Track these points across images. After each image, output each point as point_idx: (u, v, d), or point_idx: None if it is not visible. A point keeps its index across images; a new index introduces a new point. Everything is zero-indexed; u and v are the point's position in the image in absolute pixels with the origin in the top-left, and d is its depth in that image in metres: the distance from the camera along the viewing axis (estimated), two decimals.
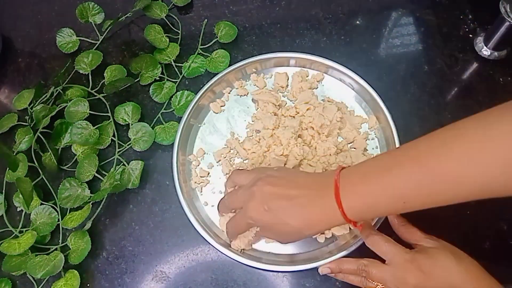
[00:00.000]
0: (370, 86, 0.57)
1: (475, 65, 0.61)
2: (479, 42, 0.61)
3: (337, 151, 0.54)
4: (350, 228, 0.52)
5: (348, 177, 0.41)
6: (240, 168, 0.55)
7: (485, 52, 0.60)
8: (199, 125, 0.59)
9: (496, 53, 0.60)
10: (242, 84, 0.61)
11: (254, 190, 0.44)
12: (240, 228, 0.48)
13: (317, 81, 0.60)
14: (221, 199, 0.52)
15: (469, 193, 0.36)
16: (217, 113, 0.60)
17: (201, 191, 0.56)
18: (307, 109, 0.57)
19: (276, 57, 0.61)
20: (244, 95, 0.60)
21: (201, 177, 0.56)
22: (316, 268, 0.49)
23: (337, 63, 0.59)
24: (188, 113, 0.58)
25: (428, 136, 0.38)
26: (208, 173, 0.56)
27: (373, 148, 0.56)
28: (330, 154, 0.54)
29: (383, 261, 0.45)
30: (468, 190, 0.36)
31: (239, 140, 0.57)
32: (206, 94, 0.59)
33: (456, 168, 0.35)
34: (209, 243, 0.51)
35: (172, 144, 0.57)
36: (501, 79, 0.60)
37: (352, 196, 0.40)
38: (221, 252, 0.51)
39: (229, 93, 0.61)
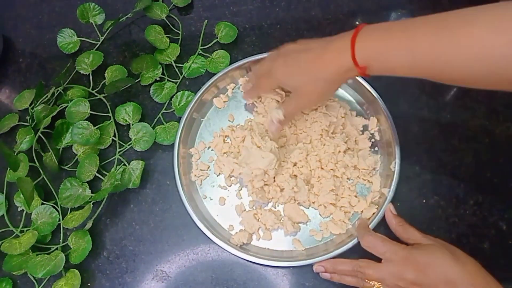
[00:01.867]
0: (372, 86, 0.57)
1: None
2: None
3: (346, 149, 0.55)
4: (346, 229, 0.52)
5: (370, 27, 0.42)
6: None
7: None
8: (201, 120, 0.60)
9: None
10: (246, 81, 0.61)
11: (279, 53, 0.50)
12: (264, 86, 0.54)
13: None
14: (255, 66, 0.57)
15: (476, 67, 0.36)
16: (220, 108, 0.60)
17: (201, 184, 0.56)
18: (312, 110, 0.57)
19: None
20: None
21: (201, 170, 0.57)
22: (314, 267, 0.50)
23: None
24: (191, 107, 0.58)
25: (460, 10, 0.38)
26: (208, 167, 0.57)
27: (373, 149, 0.57)
28: (339, 152, 0.54)
29: (379, 260, 0.45)
30: (477, 61, 0.36)
31: (233, 129, 0.58)
32: (210, 89, 0.60)
33: (474, 37, 0.35)
34: (207, 237, 0.52)
35: (173, 143, 0.57)
36: None
37: (367, 40, 0.41)
38: (219, 246, 0.52)
39: (232, 89, 0.61)
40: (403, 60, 0.40)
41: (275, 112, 0.51)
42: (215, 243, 0.52)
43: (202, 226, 0.53)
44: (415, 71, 0.40)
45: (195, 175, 0.57)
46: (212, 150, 0.58)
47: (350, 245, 0.50)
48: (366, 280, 0.46)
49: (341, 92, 0.60)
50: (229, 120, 0.60)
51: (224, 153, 0.57)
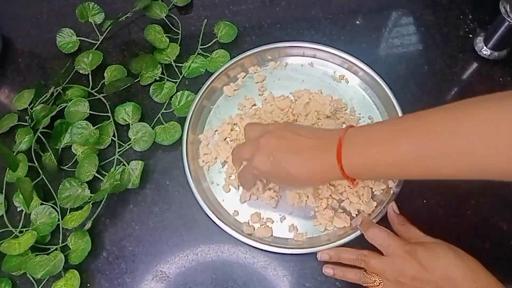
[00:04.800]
0: (385, 82, 0.58)
1: (475, 65, 0.61)
2: (479, 42, 0.61)
3: None
4: (350, 222, 0.52)
5: (352, 137, 0.41)
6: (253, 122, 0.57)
7: (485, 52, 0.60)
8: (211, 107, 0.60)
9: (496, 53, 0.60)
10: (257, 70, 0.62)
11: (260, 142, 0.46)
12: (247, 178, 0.50)
13: (340, 79, 0.61)
14: (233, 149, 0.52)
15: (470, 171, 0.36)
16: (230, 96, 0.61)
17: (208, 170, 0.57)
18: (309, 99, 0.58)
19: (294, 46, 0.62)
20: (259, 81, 0.61)
21: (208, 155, 0.57)
22: (316, 268, 0.50)
23: (363, 62, 0.59)
24: (201, 94, 0.59)
25: (439, 109, 0.37)
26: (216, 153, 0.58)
27: None
28: None
29: (382, 254, 0.46)
30: (470, 167, 0.35)
31: (242, 118, 0.58)
32: (220, 77, 0.60)
33: (463, 144, 0.34)
34: (215, 223, 0.52)
35: (174, 145, 0.58)
36: (501, 79, 0.60)
37: (353, 155, 0.40)
38: (225, 231, 0.52)
39: (243, 78, 0.61)
40: (391, 172, 0.42)
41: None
42: (220, 227, 0.52)
43: (208, 210, 0.53)
44: (406, 177, 0.41)
45: (203, 161, 0.57)
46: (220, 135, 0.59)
47: (352, 236, 0.50)
48: (368, 276, 0.46)
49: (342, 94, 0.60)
50: (238, 109, 0.60)
51: (231, 140, 0.57)
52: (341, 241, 0.50)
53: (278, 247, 0.51)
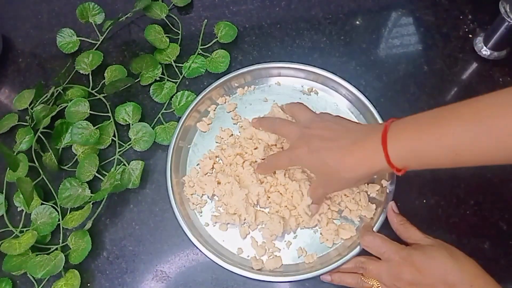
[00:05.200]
0: (364, 95, 0.57)
1: (474, 65, 0.61)
2: (479, 42, 0.61)
3: None
4: (355, 231, 0.51)
5: (399, 124, 0.40)
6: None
7: (485, 52, 0.60)
8: (188, 146, 0.58)
9: (496, 53, 0.60)
10: (226, 100, 0.60)
11: (304, 132, 0.46)
12: (280, 163, 0.49)
13: (309, 91, 0.60)
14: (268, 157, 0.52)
15: None
16: (205, 131, 0.59)
17: (201, 212, 0.55)
18: None
19: (257, 69, 0.60)
20: (231, 111, 0.60)
21: (196, 196, 0.55)
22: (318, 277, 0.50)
23: (328, 71, 0.58)
24: (176, 136, 0.57)
25: (490, 94, 0.36)
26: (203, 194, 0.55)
27: None
28: None
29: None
30: None
31: (223, 149, 0.56)
32: (191, 114, 0.58)
33: None
34: (218, 264, 0.50)
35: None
36: (500, 79, 0.60)
37: (400, 140, 0.39)
38: (232, 272, 0.50)
39: (214, 110, 0.60)
40: (443, 158, 0.38)
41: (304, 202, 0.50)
42: (230, 271, 0.50)
43: (212, 256, 0.51)
44: (457, 164, 0.38)
45: (193, 203, 0.55)
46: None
47: (360, 248, 0.49)
48: (365, 280, 0.46)
49: (334, 102, 0.60)
50: (216, 142, 0.58)
51: (218, 172, 0.55)
52: (352, 253, 0.49)
53: (291, 275, 0.50)
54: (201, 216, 0.55)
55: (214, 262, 0.50)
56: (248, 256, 0.52)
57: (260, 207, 0.53)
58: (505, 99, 0.35)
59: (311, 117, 0.49)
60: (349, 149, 0.42)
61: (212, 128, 0.59)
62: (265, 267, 0.51)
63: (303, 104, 0.54)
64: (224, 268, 0.50)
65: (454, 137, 0.36)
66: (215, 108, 0.60)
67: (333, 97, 0.60)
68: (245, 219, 0.52)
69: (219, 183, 0.54)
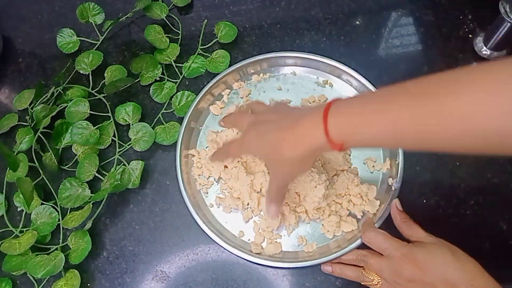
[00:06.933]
0: (369, 82, 0.57)
1: (474, 65, 0.61)
2: (479, 42, 0.61)
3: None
4: (357, 225, 0.52)
5: (344, 100, 0.38)
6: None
7: (485, 52, 0.60)
8: (200, 128, 0.60)
9: (495, 53, 0.60)
10: (241, 85, 0.61)
11: (254, 120, 0.46)
12: (232, 151, 0.49)
13: (324, 84, 0.60)
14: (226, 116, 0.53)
15: (470, 136, 0.31)
16: (218, 115, 0.60)
17: (207, 193, 0.56)
18: None
19: (274, 57, 0.61)
20: (244, 96, 0.61)
21: (203, 177, 0.56)
22: (316, 268, 0.50)
23: (340, 62, 0.59)
24: (188, 116, 0.58)
25: (441, 73, 0.33)
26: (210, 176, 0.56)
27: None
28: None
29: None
30: (470, 132, 0.31)
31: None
32: (205, 97, 0.60)
33: (467, 105, 0.30)
34: (218, 244, 0.52)
35: (174, 145, 0.57)
36: None
37: (341, 113, 0.37)
38: (231, 252, 0.51)
39: (228, 94, 0.61)
40: (382, 135, 0.35)
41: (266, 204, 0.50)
42: (229, 251, 0.51)
43: (213, 235, 0.52)
44: (398, 144, 0.36)
45: (200, 184, 0.56)
46: None
47: (360, 241, 0.50)
48: (366, 274, 0.46)
49: (346, 94, 0.60)
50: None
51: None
52: (351, 246, 0.49)
53: (289, 262, 0.50)
54: (206, 197, 0.56)
55: (215, 241, 0.52)
56: (248, 240, 0.53)
57: (264, 194, 0.54)
58: (457, 76, 0.32)
59: (266, 108, 0.50)
60: (291, 127, 0.40)
61: (224, 112, 0.60)
62: (265, 252, 0.52)
63: (262, 101, 0.54)
64: (225, 249, 0.51)
65: (394, 113, 0.33)
66: (229, 92, 0.61)
67: (348, 91, 0.60)
68: (248, 204, 0.53)
69: (226, 167, 0.55)
